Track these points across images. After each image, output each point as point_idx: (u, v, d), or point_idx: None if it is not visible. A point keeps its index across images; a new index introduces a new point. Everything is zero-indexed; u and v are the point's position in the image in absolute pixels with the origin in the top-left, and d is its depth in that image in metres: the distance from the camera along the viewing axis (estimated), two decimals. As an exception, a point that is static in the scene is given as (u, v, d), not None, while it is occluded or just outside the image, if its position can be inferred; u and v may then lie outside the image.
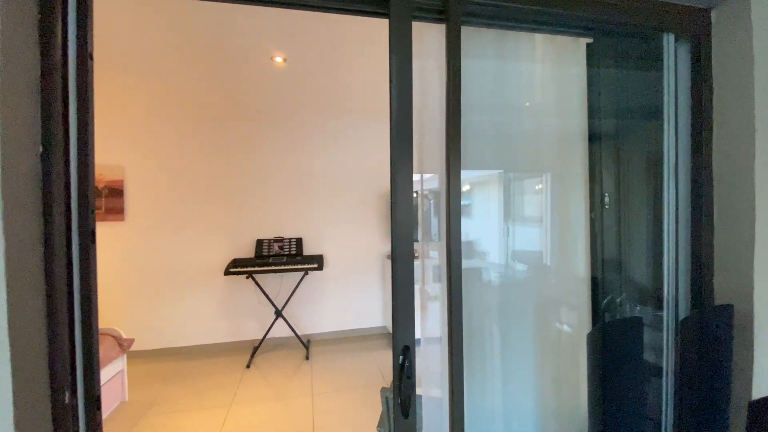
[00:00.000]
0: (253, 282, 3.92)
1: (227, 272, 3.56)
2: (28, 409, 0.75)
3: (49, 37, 0.82)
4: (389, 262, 4.15)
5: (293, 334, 3.97)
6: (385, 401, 1.54)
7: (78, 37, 0.90)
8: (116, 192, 3.76)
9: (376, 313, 4.39)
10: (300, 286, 4.08)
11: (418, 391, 1.24)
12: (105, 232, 3.74)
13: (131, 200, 3.80)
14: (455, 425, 1.11)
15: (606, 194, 1.26)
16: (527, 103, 1.39)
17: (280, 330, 4.07)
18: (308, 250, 4.19)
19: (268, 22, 2.15)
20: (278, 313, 3.81)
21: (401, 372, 0.98)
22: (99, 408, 0.93)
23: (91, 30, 0.94)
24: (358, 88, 3.33)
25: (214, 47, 2.43)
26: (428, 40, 1.27)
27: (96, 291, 0.95)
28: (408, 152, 1.04)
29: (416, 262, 1.15)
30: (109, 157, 3.75)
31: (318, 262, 3.78)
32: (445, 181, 1.15)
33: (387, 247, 4.41)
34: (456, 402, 1.06)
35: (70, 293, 0.87)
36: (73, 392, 0.85)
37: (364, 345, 4.07)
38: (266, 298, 3.88)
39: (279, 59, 2.54)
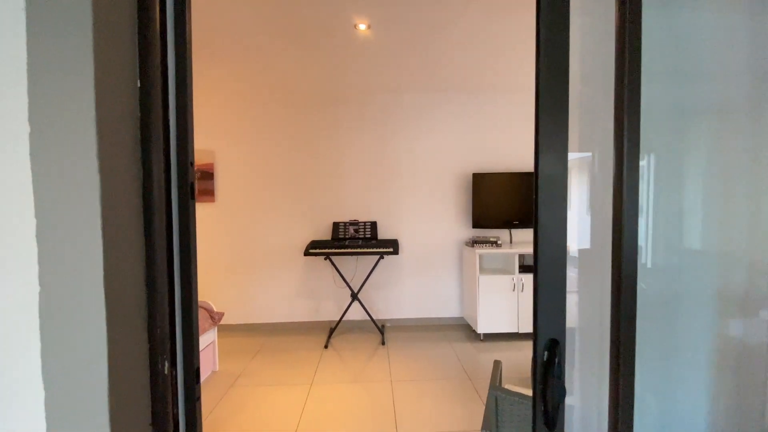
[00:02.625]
0: (330, 264, 3.93)
1: (306, 253, 3.58)
2: (124, 378, 0.67)
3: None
4: (467, 249, 3.86)
5: (368, 318, 3.91)
6: (494, 400, 1.33)
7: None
8: (207, 175, 3.98)
9: (453, 303, 4.16)
10: (375, 270, 3.99)
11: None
12: (198, 212, 3.99)
13: (221, 183, 4.01)
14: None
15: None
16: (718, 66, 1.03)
17: (356, 313, 4.03)
18: (383, 234, 4.08)
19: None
20: (354, 296, 3.77)
21: (546, 371, 0.76)
22: (198, 380, 0.85)
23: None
24: (443, 59, 3.07)
25: (297, 23, 2.36)
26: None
27: (195, 253, 0.87)
28: (562, 127, 0.78)
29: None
30: (201, 142, 3.97)
31: (393, 246, 3.65)
32: (614, 166, 0.85)
33: (464, 234, 4.12)
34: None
35: (170, 254, 0.79)
36: (173, 362, 0.77)
37: (440, 335, 3.87)
38: (343, 281, 3.86)
39: (363, 26, 2.39)
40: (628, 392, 0.78)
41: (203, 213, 4.01)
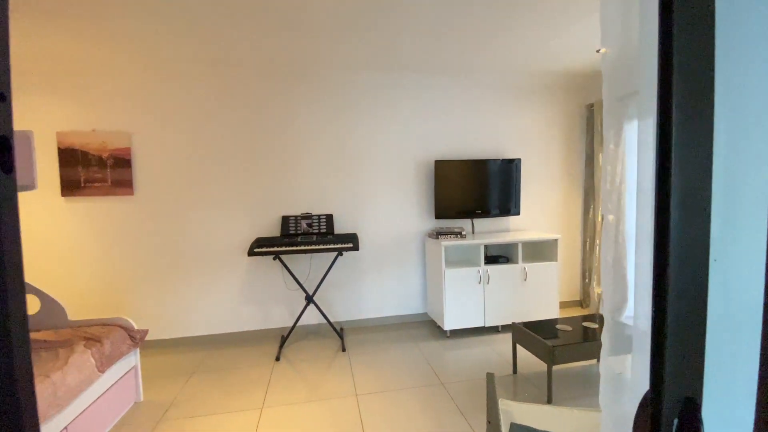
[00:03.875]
0: (279, 264, 3.46)
1: (251, 253, 3.08)
2: None
3: None
4: (431, 241, 3.61)
5: (326, 321, 3.51)
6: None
7: None
8: (123, 162, 3.28)
9: (417, 299, 3.90)
10: (332, 268, 3.60)
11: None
12: (113, 207, 3.30)
13: (141, 172, 3.33)
14: None
15: None
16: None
17: (311, 317, 3.62)
18: (340, 228, 3.68)
19: None
20: (309, 299, 3.35)
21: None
22: None
23: None
24: (407, 32, 2.72)
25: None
26: None
27: (20, 277, 0.44)
28: (705, 116, 0.48)
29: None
30: (113, 122, 3.26)
31: (352, 241, 3.27)
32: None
33: (427, 225, 3.87)
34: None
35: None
36: None
37: (404, 334, 3.59)
38: (295, 282, 3.41)
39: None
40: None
41: (120, 209, 3.31)
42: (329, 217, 3.52)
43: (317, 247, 3.14)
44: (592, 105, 4.09)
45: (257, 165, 3.50)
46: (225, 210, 3.47)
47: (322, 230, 3.47)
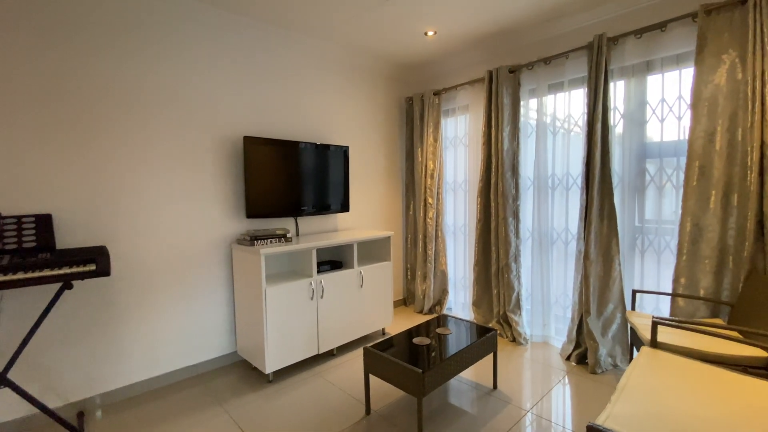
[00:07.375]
0: None
1: None
2: None
3: None
4: (243, 249, 2.56)
5: (41, 410, 1.90)
6: None
7: None
8: None
9: (220, 335, 2.72)
10: (54, 310, 2.03)
11: None
12: None
13: None
14: None
15: None
16: None
17: (10, 408, 1.92)
18: (70, 239, 2.12)
19: None
20: (-7, 381, 1.70)
21: None
22: None
23: None
24: None
25: None
26: None
27: None
28: None
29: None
30: None
31: (96, 260, 1.85)
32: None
33: (235, 227, 2.76)
34: None
35: None
36: None
37: (202, 393, 2.38)
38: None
39: None
40: None
41: None
42: (44, 221, 1.94)
43: (7, 278, 1.58)
44: (411, 98, 3.97)
45: None
46: None
47: (26, 244, 1.86)
